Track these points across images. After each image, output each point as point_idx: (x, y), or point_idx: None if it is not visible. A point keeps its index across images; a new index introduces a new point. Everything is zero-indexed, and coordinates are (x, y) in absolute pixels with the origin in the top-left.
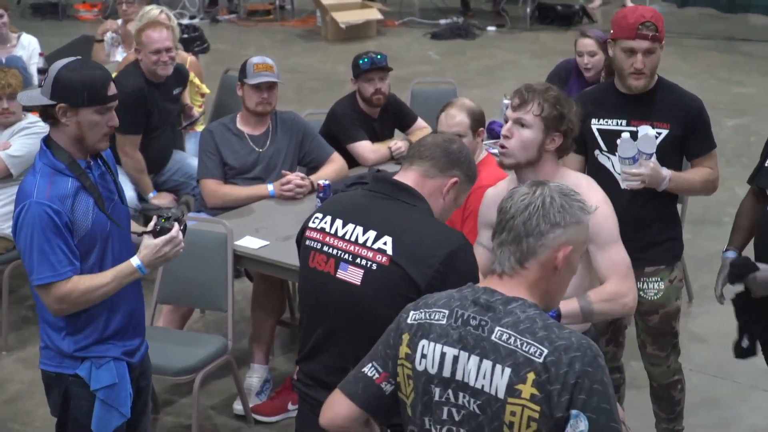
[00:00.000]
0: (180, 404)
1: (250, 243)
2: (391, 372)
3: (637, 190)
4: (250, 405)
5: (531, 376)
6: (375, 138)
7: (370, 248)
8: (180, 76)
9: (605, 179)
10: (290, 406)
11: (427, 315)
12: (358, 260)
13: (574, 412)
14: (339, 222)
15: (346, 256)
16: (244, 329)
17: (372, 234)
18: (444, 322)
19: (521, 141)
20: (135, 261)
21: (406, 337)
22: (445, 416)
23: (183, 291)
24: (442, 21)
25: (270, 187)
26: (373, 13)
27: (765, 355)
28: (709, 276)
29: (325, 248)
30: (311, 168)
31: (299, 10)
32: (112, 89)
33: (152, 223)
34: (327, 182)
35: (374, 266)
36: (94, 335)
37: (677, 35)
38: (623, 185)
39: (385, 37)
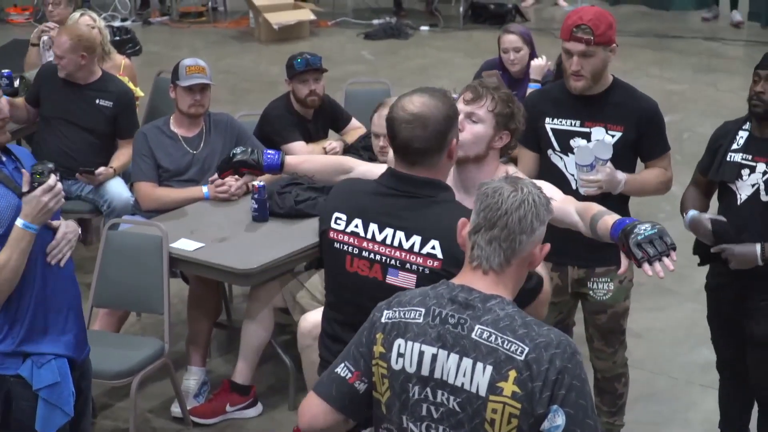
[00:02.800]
0: (117, 408)
1: (185, 245)
2: (363, 370)
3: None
4: (188, 407)
5: (513, 373)
6: (309, 139)
7: (419, 254)
8: (113, 93)
9: (558, 179)
10: (228, 408)
11: (402, 314)
12: (408, 266)
13: (553, 407)
14: (373, 226)
15: (394, 262)
16: (181, 332)
17: (417, 239)
18: (421, 320)
19: (473, 135)
20: (19, 221)
21: (380, 337)
22: (424, 413)
23: (119, 294)
24: (375, 21)
25: (204, 189)
26: (306, 14)
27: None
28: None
29: (365, 253)
30: None
31: (232, 12)
32: None
33: (27, 182)
34: (262, 183)
35: (427, 271)
36: (28, 329)
37: None
38: (581, 191)
39: (318, 37)
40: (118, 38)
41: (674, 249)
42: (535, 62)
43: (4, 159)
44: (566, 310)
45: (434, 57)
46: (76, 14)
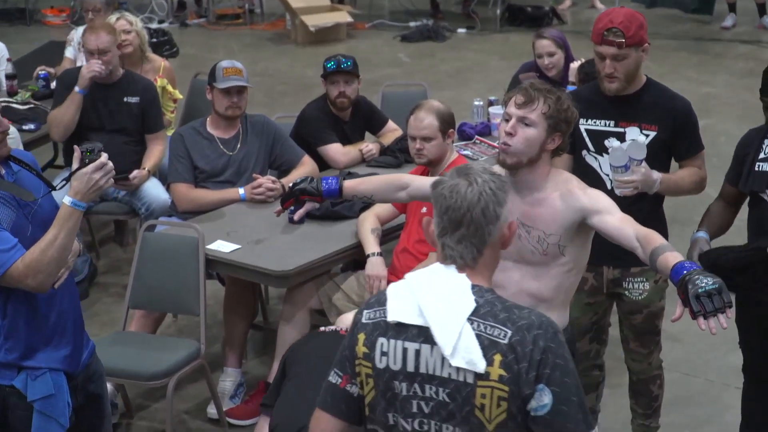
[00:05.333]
0: (153, 409)
1: (221, 247)
2: (351, 373)
3: None
4: (224, 409)
5: (498, 357)
6: (346, 140)
7: None
8: (138, 88)
9: (592, 179)
10: None
11: (382, 313)
12: None
13: (539, 386)
14: None
15: None
16: (217, 333)
17: None
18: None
19: (525, 139)
20: (66, 200)
21: (362, 337)
22: (414, 409)
23: (155, 296)
24: (412, 23)
25: (241, 191)
26: (343, 16)
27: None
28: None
29: None
30: (282, 171)
31: (269, 14)
32: None
33: (78, 159)
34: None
35: None
36: (22, 345)
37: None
38: (617, 192)
39: (355, 39)
40: (155, 40)
41: (731, 307)
42: (573, 65)
43: (3, 172)
44: (602, 310)
45: (471, 60)
46: (113, 18)
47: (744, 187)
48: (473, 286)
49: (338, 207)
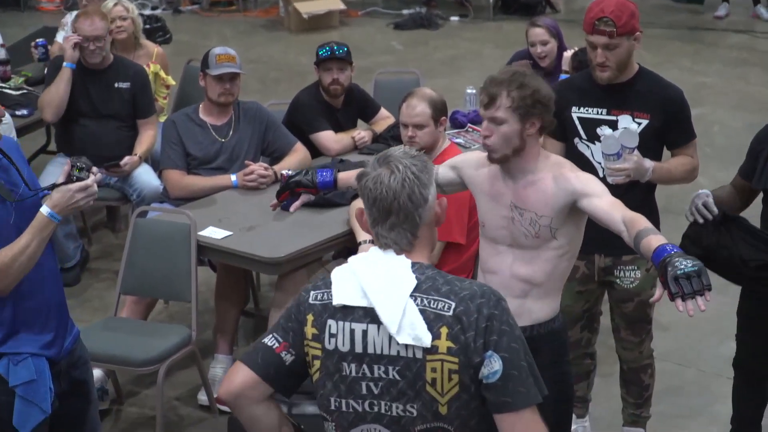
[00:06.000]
0: (144, 395)
1: (213, 233)
2: (292, 343)
3: None
4: (215, 395)
5: (444, 330)
6: (338, 128)
7: None
8: (129, 73)
9: (584, 167)
10: None
11: (329, 295)
12: None
13: (487, 353)
14: None
15: None
16: (208, 320)
17: None
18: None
19: (501, 136)
20: (44, 210)
21: (310, 318)
22: (364, 391)
23: (146, 282)
24: (405, 11)
25: (233, 178)
26: (336, 3)
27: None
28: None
29: None
30: (274, 158)
31: (262, 1)
32: None
33: (65, 173)
34: (290, 172)
35: None
36: (4, 329)
37: (640, 24)
38: (609, 180)
39: (348, 27)
40: (148, 26)
41: (710, 290)
42: (567, 54)
43: None
44: (593, 299)
45: (464, 48)
46: (110, 3)
47: (758, 184)
48: (413, 264)
49: (330, 194)
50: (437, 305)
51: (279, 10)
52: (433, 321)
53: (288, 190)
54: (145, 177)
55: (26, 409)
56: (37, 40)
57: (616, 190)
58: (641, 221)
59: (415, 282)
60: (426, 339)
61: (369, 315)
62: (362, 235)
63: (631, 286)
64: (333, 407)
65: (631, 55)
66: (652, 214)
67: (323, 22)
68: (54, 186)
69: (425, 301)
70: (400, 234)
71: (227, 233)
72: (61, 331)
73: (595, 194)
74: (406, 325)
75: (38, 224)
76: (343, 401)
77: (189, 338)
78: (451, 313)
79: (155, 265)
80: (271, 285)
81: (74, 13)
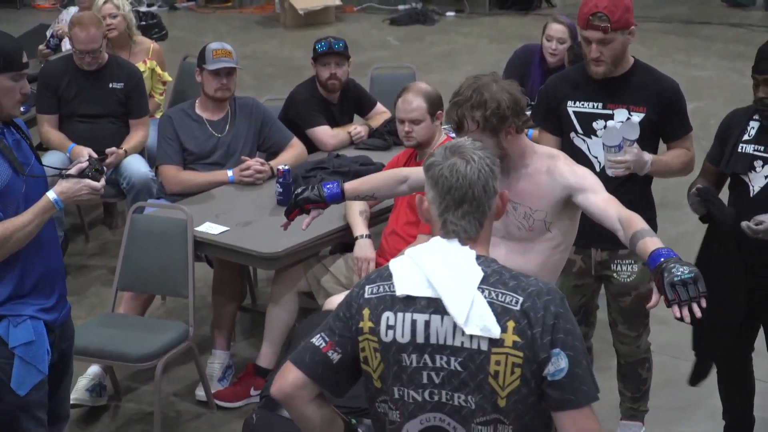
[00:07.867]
0: (142, 391)
1: (210, 229)
2: (338, 341)
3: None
4: (213, 391)
5: (511, 324)
6: (334, 123)
7: None
8: (123, 73)
9: (581, 161)
10: (252, 392)
11: (387, 287)
12: None
13: (555, 350)
14: None
15: None
16: (205, 315)
17: None
18: None
19: None
20: (51, 195)
21: (366, 312)
22: (425, 380)
23: (143, 278)
24: (401, 6)
25: (229, 173)
26: None
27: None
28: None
29: None
30: (271, 153)
31: None
32: (25, 58)
33: (82, 165)
34: (287, 167)
35: None
36: (9, 291)
37: (636, 18)
38: (609, 172)
39: (344, 23)
40: (144, 23)
41: (706, 296)
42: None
43: (5, 130)
44: (589, 293)
45: (460, 43)
46: (99, 1)
47: (726, 168)
48: (478, 257)
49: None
50: (505, 299)
51: (275, 7)
52: (500, 314)
53: (297, 208)
54: (134, 165)
55: (24, 370)
56: (48, 33)
57: (612, 183)
58: (637, 221)
59: (482, 274)
60: (495, 330)
61: (432, 305)
62: (359, 230)
63: (628, 280)
64: (397, 396)
65: (626, 49)
66: (648, 207)
67: (319, 17)
68: (62, 172)
69: (493, 294)
70: (470, 222)
71: (224, 229)
72: (61, 300)
73: (591, 189)
74: (475, 316)
75: (41, 206)
76: (405, 390)
77: (186, 334)
78: (518, 307)
79: (152, 261)
80: (268, 280)
81: (70, 9)
